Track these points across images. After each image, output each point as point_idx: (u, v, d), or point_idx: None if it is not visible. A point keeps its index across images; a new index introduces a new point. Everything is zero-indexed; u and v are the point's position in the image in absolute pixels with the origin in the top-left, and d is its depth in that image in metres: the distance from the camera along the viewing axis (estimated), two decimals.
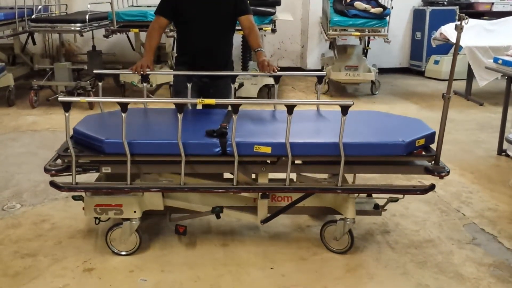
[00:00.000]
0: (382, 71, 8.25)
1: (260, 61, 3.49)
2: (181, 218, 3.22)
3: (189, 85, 3.46)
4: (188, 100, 2.99)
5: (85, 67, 6.99)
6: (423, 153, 3.01)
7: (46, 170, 2.86)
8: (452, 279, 2.92)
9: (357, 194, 3.19)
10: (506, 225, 3.56)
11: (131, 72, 3.49)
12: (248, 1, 3.71)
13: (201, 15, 3.54)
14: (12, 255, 3.09)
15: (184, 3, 3.55)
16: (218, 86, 3.66)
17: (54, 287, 2.80)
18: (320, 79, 3.66)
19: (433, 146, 3.03)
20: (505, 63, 4.81)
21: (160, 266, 2.99)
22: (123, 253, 3.09)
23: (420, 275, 2.94)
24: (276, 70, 3.44)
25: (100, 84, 3.49)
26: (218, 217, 3.19)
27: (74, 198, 3.33)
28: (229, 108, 3.04)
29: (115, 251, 3.09)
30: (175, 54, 3.91)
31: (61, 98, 2.71)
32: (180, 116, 2.70)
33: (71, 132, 2.94)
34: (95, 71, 3.56)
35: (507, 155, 4.93)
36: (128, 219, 3.03)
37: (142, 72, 3.45)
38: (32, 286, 2.81)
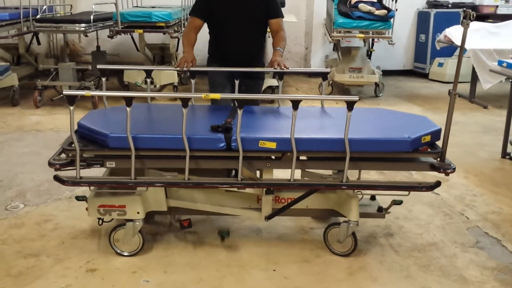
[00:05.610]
0: (386, 73, 8.23)
1: (271, 60, 3.56)
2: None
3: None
4: (193, 95, 2.99)
5: (90, 67, 7.00)
6: (429, 150, 2.99)
7: (50, 164, 2.85)
8: (455, 282, 2.91)
9: (361, 196, 3.19)
10: (510, 229, 3.54)
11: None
12: (279, 5, 3.78)
13: (235, 17, 3.61)
14: (15, 255, 3.10)
15: (218, 4, 3.61)
16: (248, 84, 3.70)
17: (57, 287, 2.80)
18: (324, 76, 3.63)
19: (439, 143, 3.01)
20: (510, 66, 4.79)
21: (163, 267, 2.99)
22: (126, 253, 3.09)
23: (423, 278, 2.93)
24: (283, 68, 3.48)
25: (103, 79, 3.49)
26: (222, 240, 3.20)
27: (78, 198, 3.35)
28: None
29: (118, 251, 3.09)
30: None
31: (66, 92, 2.71)
32: (185, 110, 2.69)
33: (76, 127, 2.94)
34: (99, 66, 3.52)
35: (511, 158, 4.92)
36: (131, 220, 3.03)
37: (186, 68, 3.47)
38: (35, 286, 2.81)
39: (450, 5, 9.01)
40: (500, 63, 5.01)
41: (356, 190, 3.07)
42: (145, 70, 3.70)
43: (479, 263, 3.11)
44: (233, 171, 3.14)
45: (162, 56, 7.69)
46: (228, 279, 2.90)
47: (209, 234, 3.35)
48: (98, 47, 7.70)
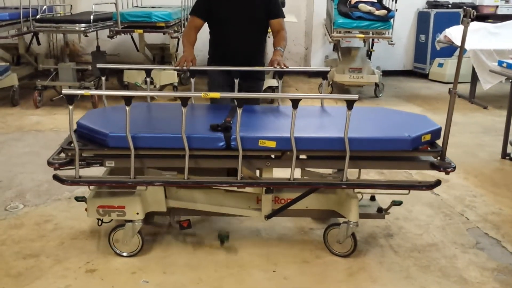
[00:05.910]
0: (386, 73, 8.23)
1: (271, 59, 3.57)
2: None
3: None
4: (192, 94, 2.99)
5: (89, 67, 7.00)
6: (429, 148, 2.99)
7: (49, 163, 2.84)
8: (455, 283, 2.90)
9: (361, 196, 3.18)
10: (510, 230, 3.54)
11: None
12: (280, 5, 3.78)
13: (235, 17, 3.62)
14: (15, 256, 3.09)
15: (218, 4, 3.62)
16: (248, 85, 3.68)
17: (56, 287, 2.80)
18: (324, 75, 3.62)
19: (439, 142, 3.01)
20: (510, 66, 4.79)
21: (162, 268, 2.99)
22: (126, 254, 3.09)
23: (423, 279, 2.93)
24: (283, 67, 3.48)
25: (103, 78, 3.48)
26: (222, 243, 3.17)
27: (77, 199, 3.34)
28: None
29: (118, 252, 3.09)
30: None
31: (65, 91, 2.70)
32: (184, 109, 2.69)
33: (75, 126, 2.93)
34: (99, 65, 3.52)
35: (511, 159, 4.91)
36: (130, 221, 3.02)
37: (185, 67, 3.47)
38: (35, 286, 2.81)
39: (450, 5, 9.01)
40: (500, 63, 5.01)
41: (356, 190, 3.06)
42: (145, 70, 3.70)
43: (479, 264, 3.10)
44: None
45: (162, 56, 7.69)
46: (227, 279, 2.90)
47: (209, 235, 3.35)
48: (98, 47, 7.70)
